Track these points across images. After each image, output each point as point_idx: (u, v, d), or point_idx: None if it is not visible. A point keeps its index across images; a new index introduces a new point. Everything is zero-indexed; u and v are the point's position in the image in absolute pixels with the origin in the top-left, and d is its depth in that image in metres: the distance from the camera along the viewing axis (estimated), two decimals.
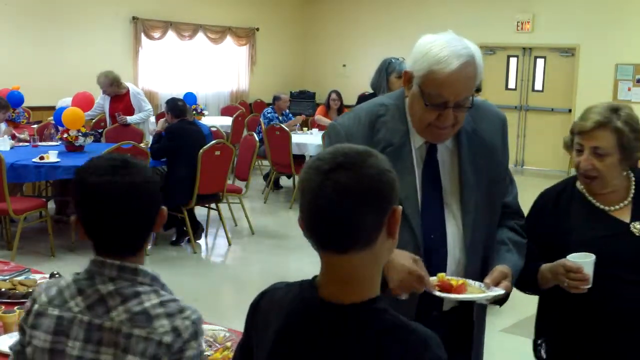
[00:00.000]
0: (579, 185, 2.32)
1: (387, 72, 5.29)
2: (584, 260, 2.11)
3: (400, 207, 1.35)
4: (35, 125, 8.57)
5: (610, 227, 2.24)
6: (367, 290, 1.35)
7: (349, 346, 1.32)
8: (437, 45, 1.90)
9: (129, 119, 7.90)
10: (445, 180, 2.05)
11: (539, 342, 2.44)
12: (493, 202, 2.10)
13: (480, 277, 2.01)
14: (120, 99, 7.98)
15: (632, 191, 2.28)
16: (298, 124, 9.84)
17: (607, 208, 2.27)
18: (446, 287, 1.92)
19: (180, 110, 6.72)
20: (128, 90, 8.02)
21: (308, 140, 8.91)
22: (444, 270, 1.99)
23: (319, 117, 10.15)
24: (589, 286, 2.12)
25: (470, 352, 2.15)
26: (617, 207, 2.26)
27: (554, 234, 2.27)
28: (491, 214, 2.10)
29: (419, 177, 2.03)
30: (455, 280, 1.95)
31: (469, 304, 2.07)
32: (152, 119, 8.97)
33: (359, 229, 1.30)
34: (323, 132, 8.78)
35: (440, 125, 1.94)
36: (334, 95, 10.12)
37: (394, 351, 1.30)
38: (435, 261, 1.99)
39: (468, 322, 2.13)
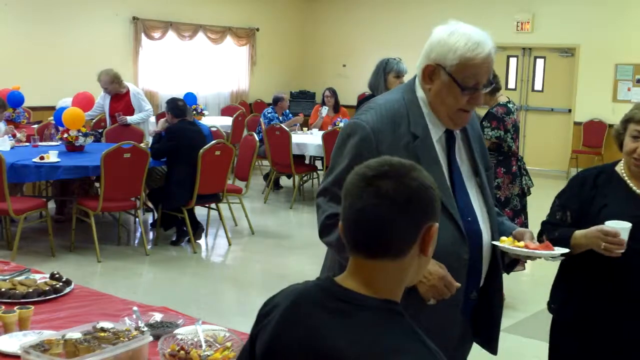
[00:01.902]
0: (619, 169, 2.52)
1: (384, 72, 5.30)
2: (621, 227, 2.30)
3: (437, 225, 1.38)
4: (35, 125, 8.57)
5: None
6: (385, 294, 1.37)
7: (350, 329, 1.32)
8: (463, 34, 2.04)
9: (129, 119, 7.90)
10: (462, 167, 2.17)
11: (553, 306, 2.63)
12: (491, 185, 2.28)
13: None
14: (120, 98, 7.97)
15: None
16: (298, 124, 9.83)
17: None
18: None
19: (180, 110, 6.72)
20: (128, 90, 8.01)
21: (308, 140, 8.91)
22: (481, 250, 2.13)
23: (314, 124, 10.09)
24: (623, 250, 2.30)
25: (480, 337, 2.27)
26: None
27: (590, 205, 2.48)
28: (491, 196, 2.27)
29: (445, 166, 2.12)
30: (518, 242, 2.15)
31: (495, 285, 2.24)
32: (152, 119, 8.96)
33: (391, 238, 1.34)
34: (323, 132, 8.79)
35: (469, 108, 2.08)
36: (327, 92, 10.10)
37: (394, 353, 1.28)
38: (474, 243, 2.10)
39: (487, 307, 2.24)
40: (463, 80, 2.03)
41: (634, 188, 2.46)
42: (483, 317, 2.24)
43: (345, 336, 1.31)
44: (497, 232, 2.21)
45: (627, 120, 2.47)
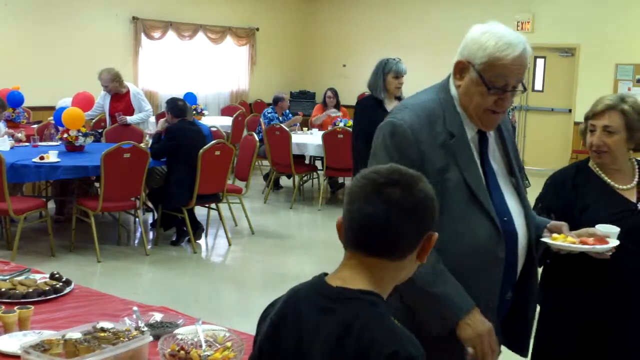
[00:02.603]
0: (591, 165, 2.64)
1: (383, 72, 5.29)
2: (612, 232, 2.38)
3: (436, 234, 1.48)
4: (35, 125, 8.57)
5: (620, 205, 2.57)
6: (376, 288, 1.45)
7: (328, 322, 1.41)
8: (496, 34, 2.04)
9: (129, 119, 7.89)
10: (496, 167, 2.17)
11: (544, 308, 2.65)
12: (524, 186, 2.29)
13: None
14: (120, 98, 7.97)
15: (637, 176, 2.64)
16: (298, 124, 9.83)
17: (617, 186, 2.60)
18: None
19: (180, 110, 6.72)
20: (128, 90, 8.01)
21: (308, 140, 8.91)
22: (516, 250, 2.12)
23: (316, 117, 10.12)
24: (611, 252, 2.37)
25: (510, 339, 2.25)
26: (625, 187, 2.60)
27: (572, 207, 2.57)
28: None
29: (480, 165, 2.12)
30: (571, 238, 2.25)
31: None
32: (152, 119, 8.95)
33: (397, 241, 1.45)
34: (323, 132, 8.79)
35: (497, 110, 2.07)
36: (329, 93, 10.11)
37: (356, 338, 1.36)
38: (510, 242, 2.10)
39: (521, 308, 2.23)
40: (490, 80, 2.03)
41: (608, 181, 2.60)
42: (515, 318, 2.22)
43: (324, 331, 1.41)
44: (535, 232, 2.21)
45: (586, 118, 2.65)
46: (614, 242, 2.31)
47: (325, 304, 1.43)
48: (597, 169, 2.62)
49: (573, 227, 2.35)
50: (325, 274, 1.50)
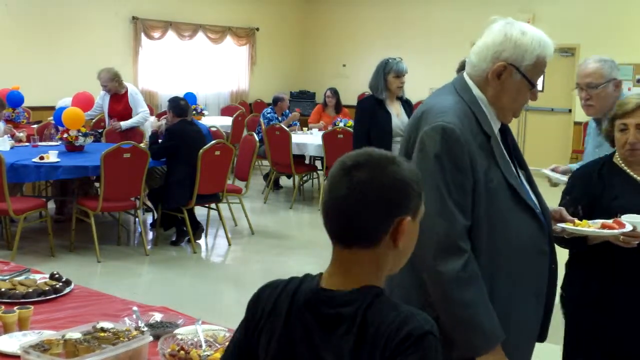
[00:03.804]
0: (616, 160, 2.72)
1: (384, 72, 5.27)
2: (636, 221, 2.47)
3: (409, 219, 1.39)
4: (35, 125, 8.57)
5: None
6: (364, 282, 1.40)
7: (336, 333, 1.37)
8: (535, 35, 2.07)
9: (122, 124, 7.80)
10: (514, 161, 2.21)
11: (569, 293, 2.78)
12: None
13: None
14: (119, 99, 7.93)
15: None
16: (298, 123, 9.82)
17: None
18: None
19: (182, 110, 6.71)
20: (127, 91, 7.99)
21: (308, 140, 8.90)
22: (550, 238, 2.17)
23: (311, 124, 10.07)
24: (638, 242, 2.49)
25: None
26: None
27: (601, 198, 2.65)
28: None
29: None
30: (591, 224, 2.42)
31: None
32: (152, 119, 8.88)
33: (361, 226, 1.37)
34: (323, 132, 8.78)
35: (527, 104, 2.18)
36: (328, 93, 10.09)
37: (373, 326, 1.33)
38: (547, 232, 2.16)
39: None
40: (533, 79, 2.08)
41: (635, 176, 2.66)
42: None
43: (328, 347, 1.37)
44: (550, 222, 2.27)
45: (612, 118, 2.70)
46: (628, 227, 2.40)
47: (326, 318, 1.39)
48: (623, 164, 2.69)
49: (608, 215, 2.47)
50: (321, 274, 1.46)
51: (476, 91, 2.11)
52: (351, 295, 1.38)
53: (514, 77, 2.06)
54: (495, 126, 2.12)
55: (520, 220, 2.05)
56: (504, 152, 2.12)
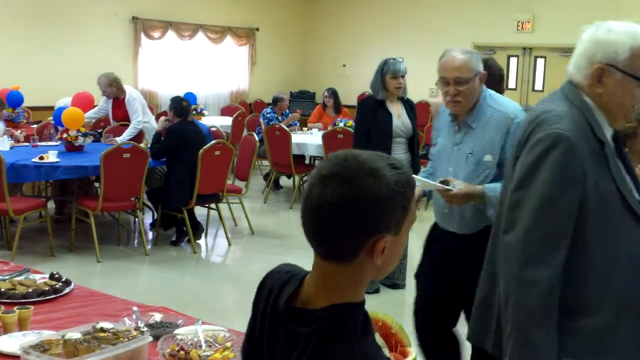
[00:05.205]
0: None
1: (382, 72, 5.23)
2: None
3: (387, 240, 1.25)
4: (35, 125, 8.56)
5: None
6: (339, 297, 1.29)
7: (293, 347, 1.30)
8: (623, 28, 2.04)
9: (118, 140, 7.32)
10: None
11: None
12: None
13: None
14: (120, 104, 7.83)
15: None
16: (297, 123, 9.82)
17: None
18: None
19: (183, 110, 6.70)
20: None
21: (308, 140, 8.90)
22: None
23: (310, 124, 10.07)
24: None
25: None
26: None
27: None
28: None
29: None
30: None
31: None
32: (153, 121, 8.67)
33: (331, 245, 1.27)
34: (323, 132, 8.78)
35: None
36: (326, 93, 10.08)
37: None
38: None
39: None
40: (637, 73, 2.01)
41: None
42: None
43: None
44: None
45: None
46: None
47: (293, 329, 1.31)
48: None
49: None
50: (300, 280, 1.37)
51: (586, 97, 2.08)
52: (315, 314, 1.28)
53: (614, 77, 2.02)
54: (608, 133, 2.07)
55: (632, 234, 2.00)
56: (617, 160, 2.07)
